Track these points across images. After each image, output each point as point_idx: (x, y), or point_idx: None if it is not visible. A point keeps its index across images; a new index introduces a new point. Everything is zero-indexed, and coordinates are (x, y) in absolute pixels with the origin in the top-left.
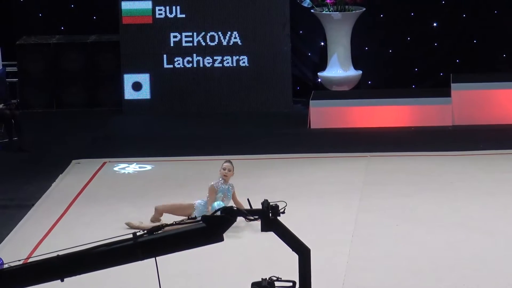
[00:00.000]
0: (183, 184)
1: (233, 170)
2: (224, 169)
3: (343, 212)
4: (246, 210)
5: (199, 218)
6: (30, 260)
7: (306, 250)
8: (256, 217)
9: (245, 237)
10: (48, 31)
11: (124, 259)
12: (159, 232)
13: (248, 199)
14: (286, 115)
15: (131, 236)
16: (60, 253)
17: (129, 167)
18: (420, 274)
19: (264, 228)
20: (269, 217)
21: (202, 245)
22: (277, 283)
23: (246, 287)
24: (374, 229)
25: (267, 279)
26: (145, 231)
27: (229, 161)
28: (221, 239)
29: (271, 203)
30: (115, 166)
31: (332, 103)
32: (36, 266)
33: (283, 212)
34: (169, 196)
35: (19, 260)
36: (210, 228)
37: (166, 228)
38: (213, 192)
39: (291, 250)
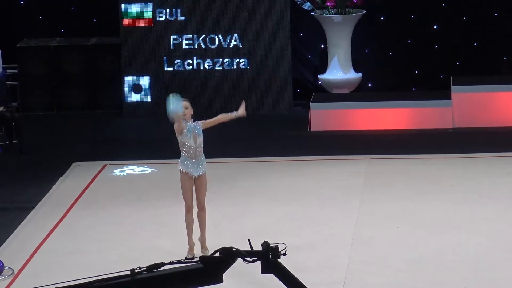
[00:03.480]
0: None
1: (191, 108)
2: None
3: (343, 215)
4: (246, 251)
5: (197, 258)
6: None
7: None
8: (255, 258)
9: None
10: (48, 33)
11: None
12: (157, 270)
13: (249, 240)
14: (286, 118)
15: (129, 272)
16: (59, 285)
17: (129, 170)
18: (420, 277)
19: (264, 270)
20: (269, 259)
21: (200, 286)
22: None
23: None
24: (374, 231)
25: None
26: (143, 268)
27: (184, 99)
28: (220, 281)
29: (271, 245)
30: (116, 169)
31: (332, 105)
32: None
33: (284, 254)
34: (170, 199)
35: None
36: (207, 269)
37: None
38: (181, 131)
39: None
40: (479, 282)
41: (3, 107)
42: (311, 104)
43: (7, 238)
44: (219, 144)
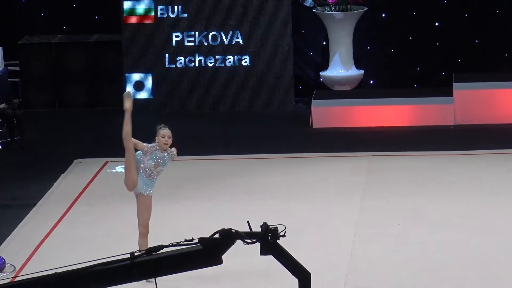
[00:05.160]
0: (184, 184)
1: (171, 138)
2: (164, 137)
3: (345, 212)
4: (245, 233)
5: (196, 240)
6: (29, 276)
7: (306, 274)
8: (255, 240)
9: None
10: (50, 30)
11: (121, 279)
12: (157, 253)
13: (248, 222)
14: (288, 115)
15: (128, 255)
16: (59, 270)
17: None
18: (422, 274)
19: (264, 252)
20: (268, 241)
21: (199, 268)
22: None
23: None
24: (376, 228)
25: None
26: (143, 251)
27: (164, 126)
28: (220, 262)
29: (270, 226)
30: (117, 166)
31: (334, 102)
32: (33, 283)
33: (283, 236)
34: (169, 197)
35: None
36: (207, 251)
37: (164, 249)
38: (143, 151)
39: (291, 274)
40: (481, 279)
41: (4, 104)
42: (312, 101)
43: (8, 235)
44: (220, 142)
